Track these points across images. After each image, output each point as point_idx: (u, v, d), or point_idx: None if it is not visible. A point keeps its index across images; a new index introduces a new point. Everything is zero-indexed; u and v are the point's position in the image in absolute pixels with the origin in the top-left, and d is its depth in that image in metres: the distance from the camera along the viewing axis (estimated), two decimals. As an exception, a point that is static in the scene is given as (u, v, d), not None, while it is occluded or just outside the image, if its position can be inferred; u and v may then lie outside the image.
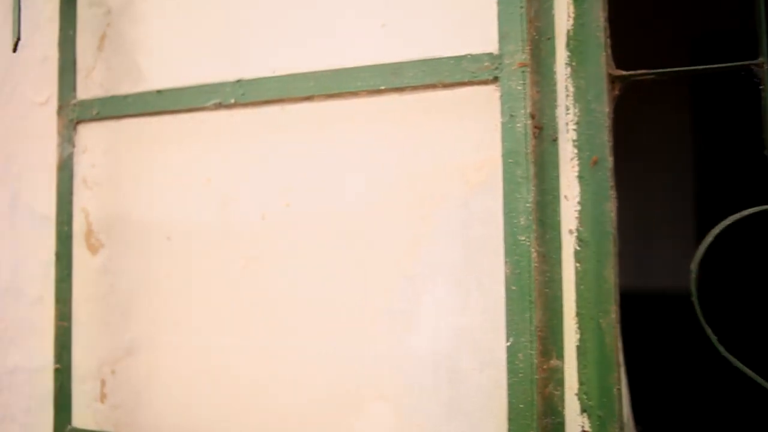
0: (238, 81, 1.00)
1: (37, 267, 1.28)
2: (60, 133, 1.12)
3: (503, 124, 0.87)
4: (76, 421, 1.13)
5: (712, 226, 0.87)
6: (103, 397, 1.21)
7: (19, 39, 1.00)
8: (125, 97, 1.08)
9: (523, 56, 0.87)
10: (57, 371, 1.11)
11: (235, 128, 1.07)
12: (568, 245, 0.90)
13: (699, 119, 2.72)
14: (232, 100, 1.00)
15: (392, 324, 0.99)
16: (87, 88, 1.18)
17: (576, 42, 0.91)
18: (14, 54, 1.30)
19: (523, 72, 0.87)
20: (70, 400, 1.11)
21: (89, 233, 1.21)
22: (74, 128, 1.12)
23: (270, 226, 1.07)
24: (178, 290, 1.15)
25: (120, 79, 1.20)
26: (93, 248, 1.21)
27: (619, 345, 0.89)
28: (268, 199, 1.07)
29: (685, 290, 0.91)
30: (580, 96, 0.90)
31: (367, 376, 1.01)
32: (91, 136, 1.17)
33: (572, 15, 0.91)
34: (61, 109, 1.12)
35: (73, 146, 1.11)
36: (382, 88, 0.93)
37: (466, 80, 0.90)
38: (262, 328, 1.08)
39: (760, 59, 0.83)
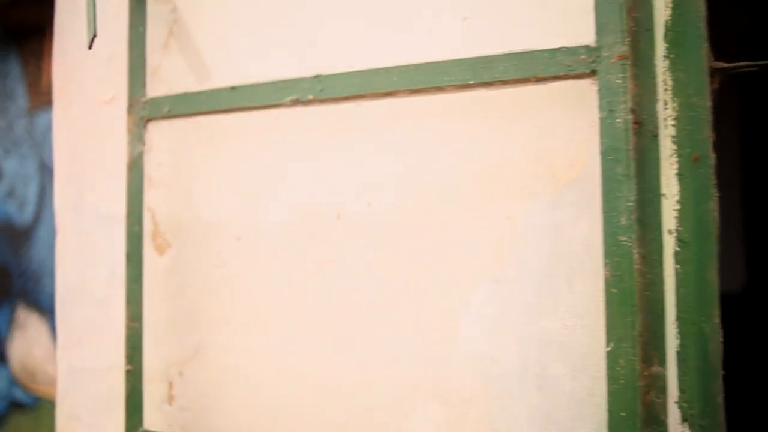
0: (317, 77, 0.97)
1: (102, 267, 1.26)
2: (130, 132, 1.10)
3: (602, 119, 0.83)
4: (145, 423, 1.11)
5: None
6: (170, 399, 1.19)
7: (95, 35, 0.97)
8: (198, 94, 1.05)
9: (623, 48, 0.83)
10: (128, 373, 1.09)
11: (312, 125, 1.04)
12: (668, 246, 0.85)
13: (746, 116, 2.64)
14: (310, 96, 0.97)
15: (476, 327, 0.95)
16: (154, 87, 1.15)
17: (674, 33, 0.86)
18: (79, 53, 1.28)
19: (622, 65, 0.83)
20: (141, 402, 1.09)
21: (156, 233, 1.19)
22: (144, 126, 1.09)
23: (346, 225, 1.04)
24: (248, 291, 1.12)
25: (186, 77, 1.17)
26: (160, 248, 1.18)
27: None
28: (344, 198, 1.04)
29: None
30: (679, 90, 0.86)
31: (448, 380, 0.97)
32: (159, 134, 1.15)
33: (670, 5, 0.87)
34: (131, 107, 1.10)
35: (144, 145, 1.09)
36: (471, 82, 0.89)
37: (562, 74, 0.85)
38: (336, 330, 1.05)
39: None
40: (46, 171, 5.38)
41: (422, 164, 0.98)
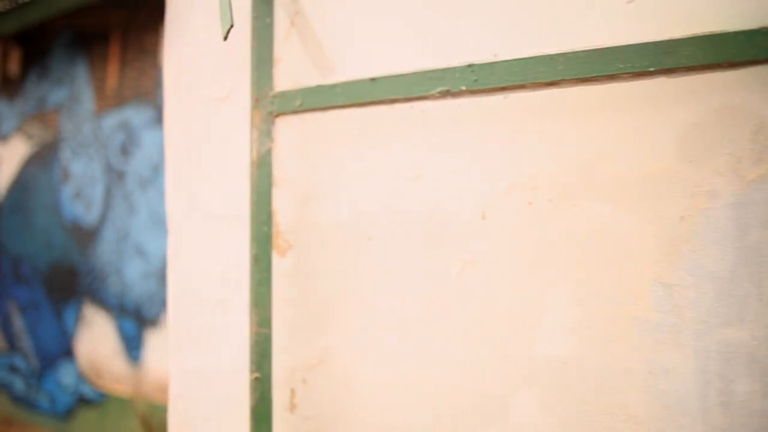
0: (470, 66, 0.88)
1: (217, 270, 1.20)
2: (257, 127, 1.03)
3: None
4: None
5: None
6: (293, 407, 1.12)
7: (231, 26, 0.91)
8: (333, 86, 0.98)
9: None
10: (256, 380, 1.02)
11: (458, 118, 0.96)
12: None
13: None
14: (462, 87, 0.88)
15: (645, 336, 0.86)
16: (275, 81, 1.09)
17: None
18: (191, 50, 1.23)
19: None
20: (270, 411, 1.02)
21: (277, 234, 1.12)
22: (272, 121, 1.02)
23: (493, 225, 0.95)
24: (379, 295, 1.05)
25: (309, 70, 1.10)
26: (281, 250, 1.12)
27: None
28: (492, 197, 0.95)
29: None
30: None
31: (612, 394, 0.88)
32: (286, 129, 1.08)
33: None
34: (257, 101, 1.03)
35: (272, 141, 1.02)
36: (651, 69, 0.79)
37: (762, 58, 0.75)
38: (480, 338, 0.96)
39: None
40: (111, 172, 5.45)
41: (586, 159, 0.88)
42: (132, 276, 5.11)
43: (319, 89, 0.98)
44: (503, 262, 0.95)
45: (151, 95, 4.98)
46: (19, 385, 5.97)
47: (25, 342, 5.93)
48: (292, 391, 1.12)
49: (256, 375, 1.02)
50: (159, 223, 4.93)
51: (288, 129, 1.07)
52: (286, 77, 1.10)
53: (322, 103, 0.98)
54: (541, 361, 0.92)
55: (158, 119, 4.92)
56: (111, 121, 5.22)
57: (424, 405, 1.01)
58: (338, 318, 1.08)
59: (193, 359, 1.23)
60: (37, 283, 5.83)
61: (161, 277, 4.93)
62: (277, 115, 1.02)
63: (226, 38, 0.91)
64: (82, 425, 5.41)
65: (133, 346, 5.14)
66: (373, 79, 0.94)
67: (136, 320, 5.09)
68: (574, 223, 0.89)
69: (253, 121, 1.03)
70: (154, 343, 5.00)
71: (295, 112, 1.00)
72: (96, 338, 5.35)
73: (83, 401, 5.42)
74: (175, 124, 1.25)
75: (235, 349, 1.17)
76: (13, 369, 6.05)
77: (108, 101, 5.25)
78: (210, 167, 1.20)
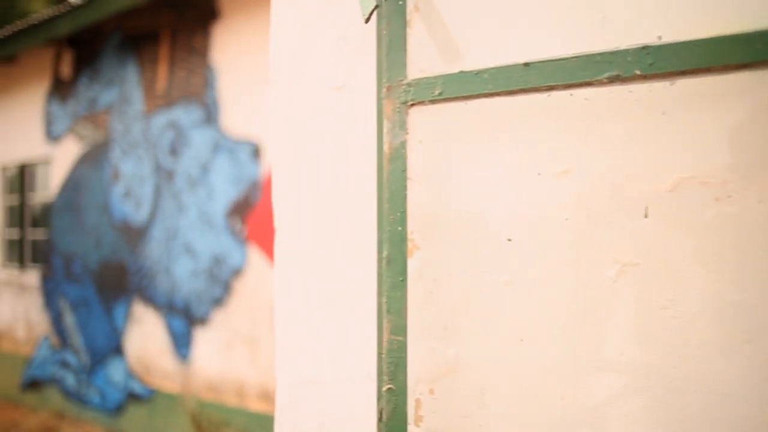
0: (644, 48, 0.78)
1: (332, 272, 1.12)
2: (389, 119, 0.94)
3: None
4: (401, 448, 0.95)
5: None
6: (418, 419, 1.03)
7: (377, 6, 0.82)
8: (478, 73, 0.88)
9: None
10: (389, 392, 0.93)
11: (625, 106, 0.85)
12: None
13: None
14: (637, 72, 0.78)
15: None
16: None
17: None
18: (300, 38, 1.14)
19: None
20: (405, 425, 0.93)
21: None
22: (406, 112, 0.93)
23: (657, 224, 0.85)
24: (520, 300, 0.95)
25: (433, 57, 1.00)
26: (407, 251, 1.02)
27: None
28: (658, 193, 0.84)
29: None
30: None
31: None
32: (420, 120, 0.98)
33: None
34: (389, 90, 0.94)
35: (406, 133, 0.93)
36: None
37: None
38: (643, 349, 0.86)
39: None
40: (161, 172, 5.43)
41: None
42: (180, 274, 5.09)
43: (462, 76, 0.89)
44: (671, 264, 0.84)
45: (200, 95, 4.95)
46: (70, 380, 6.01)
47: (76, 339, 5.96)
48: (418, 402, 1.03)
49: (390, 386, 0.93)
50: (208, 222, 4.90)
51: (422, 120, 0.97)
52: (410, 65, 1.00)
53: (465, 91, 0.88)
54: (721, 376, 0.81)
55: (207, 118, 4.89)
56: (160, 120, 5.21)
57: (571, 425, 0.91)
58: (470, 325, 0.99)
59: (303, 367, 1.15)
60: (88, 280, 5.86)
61: (210, 275, 4.91)
62: (412, 105, 0.93)
63: (368, 20, 0.82)
64: (131, 421, 5.42)
65: (181, 343, 5.12)
66: (527, 64, 0.84)
67: (185, 318, 5.07)
68: (759, 223, 0.78)
69: (384, 112, 0.94)
70: (202, 341, 4.98)
71: (433, 101, 0.91)
72: (145, 335, 5.35)
73: (132, 397, 5.43)
74: (283, 116, 1.16)
75: (353, 356, 1.08)
76: (64, 365, 6.10)
77: (157, 101, 5.24)
78: (324, 162, 1.11)
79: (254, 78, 4.62)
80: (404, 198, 0.93)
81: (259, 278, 4.59)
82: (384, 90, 0.95)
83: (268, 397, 4.52)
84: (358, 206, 1.07)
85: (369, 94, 1.06)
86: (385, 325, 0.94)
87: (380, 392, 0.96)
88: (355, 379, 1.09)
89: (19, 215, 6.71)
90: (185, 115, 5.08)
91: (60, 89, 6.19)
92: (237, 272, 4.71)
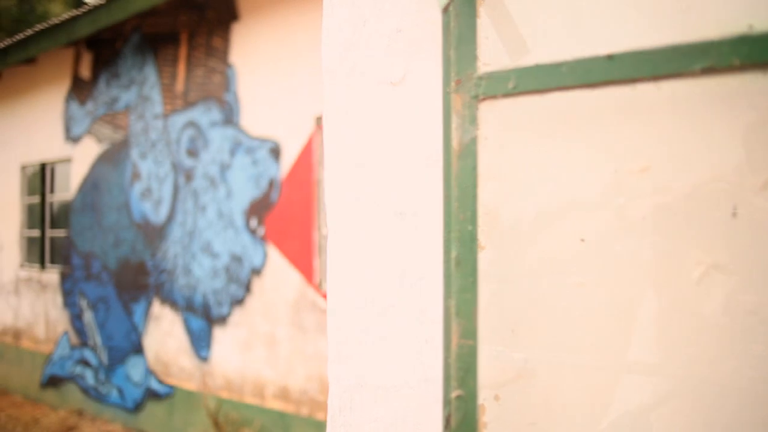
0: (742, 38, 0.73)
1: (387, 273, 1.07)
2: (458, 113, 0.89)
3: None
4: (470, 457, 0.90)
5: None
6: (482, 426, 0.98)
7: (455, -6, 0.77)
8: (557, 66, 0.83)
9: None
10: (458, 399, 0.88)
11: (715, 100, 0.80)
12: None
13: None
14: (736, 61, 0.73)
15: None
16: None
17: None
18: (355, 31, 1.10)
19: None
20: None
21: (465, 233, 0.98)
22: (477, 107, 0.88)
23: (747, 225, 0.79)
24: (594, 304, 0.89)
25: (503, 49, 0.95)
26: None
27: None
28: (748, 191, 0.79)
29: None
30: None
31: None
32: (489, 115, 0.93)
33: None
34: (459, 84, 0.89)
35: (477, 129, 0.88)
36: None
37: None
38: (735, 356, 0.80)
39: None
40: (179, 171, 5.40)
41: None
42: (199, 274, 5.06)
43: (538, 69, 0.84)
44: (761, 267, 0.79)
45: (219, 94, 4.92)
46: (89, 378, 6.00)
47: (96, 337, 5.95)
48: (482, 408, 0.98)
49: (459, 392, 0.88)
50: (227, 221, 4.87)
51: (493, 115, 0.92)
52: (479, 57, 0.95)
53: (542, 84, 0.83)
54: (823, 385, 0.75)
55: (226, 118, 4.85)
56: (179, 120, 5.19)
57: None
58: (540, 328, 0.94)
59: (356, 371, 1.10)
60: (107, 279, 5.84)
61: (228, 274, 4.88)
62: (482, 100, 0.88)
63: (446, 10, 0.77)
64: (150, 419, 5.39)
65: (200, 342, 5.09)
66: (610, 57, 0.79)
67: (204, 317, 5.04)
68: None
69: (452, 107, 0.89)
70: (221, 339, 4.95)
71: (506, 95, 0.86)
72: (164, 334, 5.32)
73: (151, 395, 5.41)
74: (337, 112, 1.12)
75: (411, 361, 1.03)
76: (83, 363, 6.08)
77: (176, 101, 5.22)
78: (381, 159, 1.06)
79: (273, 78, 4.59)
80: (475, 196, 0.89)
81: (277, 278, 4.55)
82: (452, 84, 0.91)
83: (286, 396, 4.49)
84: (420, 205, 1.02)
85: (430, 88, 1.02)
86: (454, 328, 0.89)
87: (447, 398, 0.91)
88: (413, 385, 1.04)
89: (39, 215, 6.71)
90: (204, 114, 5.05)
91: (79, 90, 6.18)
92: (256, 272, 4.67)
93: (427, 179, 1.01)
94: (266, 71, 4.62)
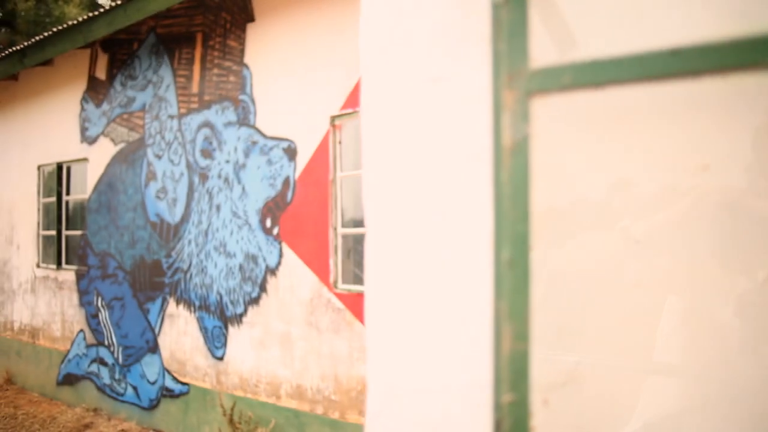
0: (818, 27, 0.69)
1: (428, 274, 1.03)
2: (509, 110, 0.85)
3: None
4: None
5: None
6: (531, 430, 0.94)
7: (514, -15, 0.73)
8: (616, 61, 0.79)
9: None
10: (511, 405, 0.85)
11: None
12: None
13: None
14: (810, 54, 0.69)
15: None
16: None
17: None
18: (393, 25, 1.06)
19: None
20: (529, 440, 0.84)
21: (512, 233, 0.94)
22: (529, 102, 0.85)
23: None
24: (650, 304, 0.86)
25: (551, 45, 0.92)
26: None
27: None
28: (820, 189, 0.75)
29: None
30: None
31: None
32: (542, 111, 0.90)
33: None
34: (510, 80, 0.86)
35: (530, 125, 0.84)
36: None
37: None
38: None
39: None
40: (194, 172, 5.38)
41: None
42: (214, 273, 5.04)
43: (596, 63, 0.80)
44: (832, 268, 0.75)
45: (234, 95, 4.90)
46: (105, 376, 5.99)
47: (111, 336, 5.94)
48: (529, 413, 0.94)
49: (511, 397, 0.85)
50: (242, 220, 4.84)
51: (546, 110, 0.89)
52: (531, 52, 0.92)
53: (600, 79, 0.80)
54: None
55: (241, 119, 4.83)
56: (195, 120, 5.17)
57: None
58: (593, 330, 0.90)
59: (396, 374, 1.07)
60: (123, 279, 5.84)
61: (243, 274, 4.85)
62: (535, 95, 0.84)
63: (497, 3, 0.74)
64: (165, 417, 5.38)
65: (215, 341, 5.07)
66: (674, 52, 0.75)
67: (219, 316, 5.02)
68: None
69: (503, 103, 0.86)
70: (236, 338, 4.93)
71: (561, 90, 0.82)
72: (179, 332, 5.31)
73: (167, 393, 5.39)
74: (376, 109, 1.08)
75: (455, 364, 1.00)
76: (99, 361, 6.08)
77: (192, 101, 5.20)
78: (423, 158, 1.03)
79: (289, 78, 4.56)
80: (527, 195, 0.85)
81: (292, 277, 4.52)
82: (504, 80, 0.87)
83: (301, 395, 4.46)
84: (464, 204, 0.98)
85: (474, 84, 0.98)
86: (506, 331, 0.86)
87: (498, 403, 0.88)
88: (456, 389, 1.01)
89: (55, 215, 6.71)
90: (220, 115, 5.03)
91: (95, 91, 6.17)
92: (271, 271, 4.65)
93: (472, 177, 0.97)
94: (282, 71, 4.60)
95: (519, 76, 0.85)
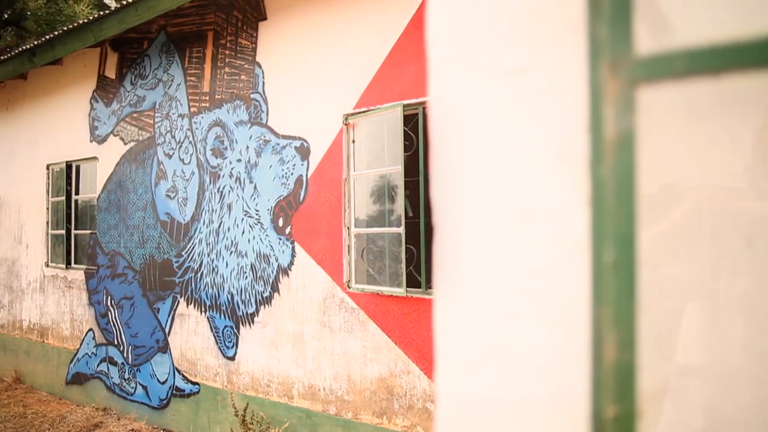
0: None
1: (507, 277, 0.95)
2: (613, 101, 0.78)
3: None
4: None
5: None
6: (625, 445, 0.86)
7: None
8: (738, 44, 0.71)
9: None
10: (616, 420, 0.77)
11: None
12: None
13: None
14: None
15: None
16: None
17: None
18: (463, 14, 0.98)
19: None
20: (636, 457, 0.77)
21: (604, 233, 0.86)
22: (635, 92, 0.77)
23: None
24: (763, 310, 0.78)
25: (660, 30, 0.84)
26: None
27: None
28: None
29: None
30: None
31: None
32: (644, 102, 0.82)
33: None
34: (614, 68, 0.78)
35: (636, 116, 0.76)
36: None
37: None
38: None
39: None
40: (205, 171, 5.29)
41: None
42: (225, 272, 4.95)
43: (716, 50, 0.72)
44: None
45: (246, 94, 4.81)
46: (114, 375, 5.90)
47: (121, 335, 5.85)
48: (636, 426, 0.86)
49: (616, 410, 0.77)
50: (253, 220, 4.76)
51: (656, 100, 0.81)
52: (636, 38, 0.84)
53: (718, 65, 0.72)
54: None
55: (253, 118, 4.74)
56: (206, 119, 5.08)
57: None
58: (692, 337, 0.82)
59: (470, 383, 0.99)
60: (133, 278, 5.74)
61: (255, 273, 4.77)
62: (643, 84, 0.76)
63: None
64: (175, 416, 5.29)
65: (226, 340, 4.98)
66: (807, 32, 0.68)
67: (230, 315, 4.93)
68: None
69: (606, 93, 0.78)
70: (247, 338, 4.84)
71: (675, 77, 0.74)
72: (190, 332, 5.22)
73: (177, 393, 5.30)
74: (446, 104, 1.00)
75: (538, 373, 0.92)
76: (109, 360, 5.99)
77: (203, 100, 5.11)
78: (501, 154, 0.95)
79: (301, 77, 4.48)
80: (633, 192, 0.77)
81: (305, 276, 4.44)
82: (605, 68, 0.79)
83: (313, 395, 4.38)
84: (550, 203, 0.90)
85: (560, 74, 0.90)
86: (610, 339, 0.78)
87: (597, 416, 0.80)
88: (539, 400, 0.93)
89: (64, 214, 6.61)
90: (231, 113, 4.94)
91: (104, 90, 6.08)
92: (283, 270, 4.56)
93: (560, 175, 0.89)
94: (294, 70, 4.51)
95: (623, 65, 0.77)
